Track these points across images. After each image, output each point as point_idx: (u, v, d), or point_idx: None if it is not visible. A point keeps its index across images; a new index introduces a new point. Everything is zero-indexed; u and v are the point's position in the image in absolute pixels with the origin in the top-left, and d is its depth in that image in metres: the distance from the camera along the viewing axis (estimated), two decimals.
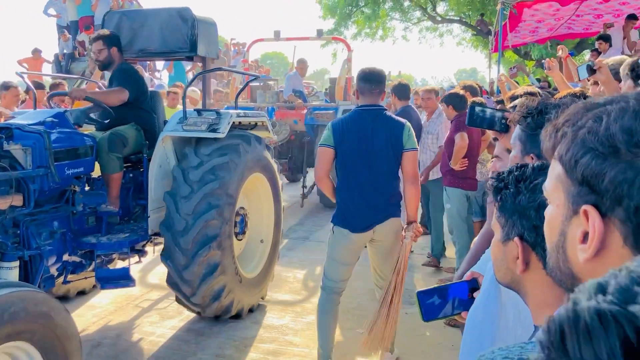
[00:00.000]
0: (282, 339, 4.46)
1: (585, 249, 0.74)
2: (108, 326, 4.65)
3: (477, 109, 2.11)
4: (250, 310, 4.76)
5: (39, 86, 7.23)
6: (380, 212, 3.66)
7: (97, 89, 5.93)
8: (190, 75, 12.58)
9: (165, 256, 4.23)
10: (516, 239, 1.08)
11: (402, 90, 6.31)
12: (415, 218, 3.74)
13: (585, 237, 0.75)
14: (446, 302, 1.53)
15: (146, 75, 13.66)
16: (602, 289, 0.52)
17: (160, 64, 14.73)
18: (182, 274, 4.19)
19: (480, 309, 1.47)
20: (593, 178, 0.73)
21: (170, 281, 4.31)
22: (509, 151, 2.28)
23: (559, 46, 5.85)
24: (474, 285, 1.56)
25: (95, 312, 4.92)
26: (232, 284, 4.44)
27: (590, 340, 0.49)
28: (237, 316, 4.61)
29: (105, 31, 4.74)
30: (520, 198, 1.09)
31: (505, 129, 2.07)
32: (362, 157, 3.61)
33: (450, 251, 6.20)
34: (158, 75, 14.23)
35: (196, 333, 4.50)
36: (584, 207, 0.74)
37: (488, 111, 2.12)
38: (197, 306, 4.34)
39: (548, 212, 0.86)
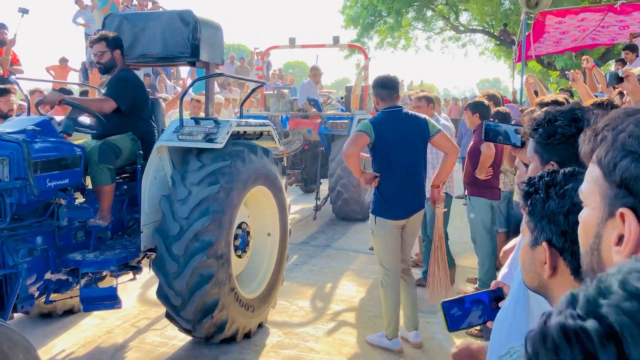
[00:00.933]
0: (303, 345, 4.43)
1: (621, 250, 0.75)
2: (132, 329, 4.64)
3: (492, 124, 2.12)
4: (247, 336, 4.41)
5: (66, 93, 7.07)
6: (417, 201, 4.21)
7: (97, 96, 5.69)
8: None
9: (157, 265, 3.91)
10: (544, 243, 1.09)
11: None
12: (441, 183, 4.36)
13: (620, 239, 0.76)
14: (471, 311, 1.54)
15: (169, 83, 13.56)
16: (573, 301, 0.57)
17: (184, 71, 14.64)
18: (172, 284, 3.84)
19: (508, 313, 1.44)
20: (631, 181, 0.74)
21: (160, 293, 3.96)
22: (527, 165, 2.12)
23: (583, 57, 5.59)
24: (498, 294, 1.57)
25: (120, 316, 4.89)
26: (226, 299, 4.06)
27: (557, 356, 0.54)
28: (232, 339, 4.26)
29: (109, 32, 4.48)
30: (549, 203, 1.10)
31: (520, 143, 2.05)
32: (401, 152, 4.06)
33: (473, 261, 6.03)
34: (181, 83, 14.15)
35: None
36: (621, 209, 0.75)
37: (502, 126, 2.11)
38: (188, 322, 3.97)
39: (583, 215, 0.86)
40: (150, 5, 14.06)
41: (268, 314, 4.79)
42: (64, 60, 13.63)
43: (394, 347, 4.26)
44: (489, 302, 1.54)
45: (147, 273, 4.62)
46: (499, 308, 1.53)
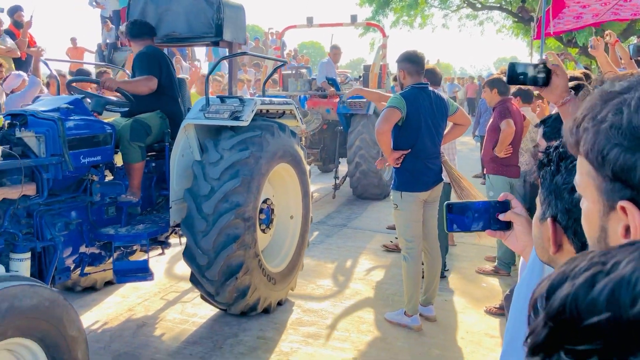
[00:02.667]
0: (322, 323, 4.48)
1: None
2: (152, 307, 4.72)
3: (515, 63, 2.02)
4: (266, 311, 4.55)
5: (85, 74, 7.19)
6: (439, 174, 4.35)
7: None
8: (226, 63, 12.50)
9: (187, 255, 4.07)
10: (549, 219, 1.05)
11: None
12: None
13: (627, 230, 0.73)
14: (473, 216, 1.51)
15: (185, 64, 13.64)
16: None
17: (201, 53, 14.69)
18: (204, 274, 4.03)
19: (524, 285, 1.41)
20: (625, 173, 0.71)
21: (187, 253, 4.11)
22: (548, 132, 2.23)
23: (606, 32, 5.53)
24: (504, 206, 1.51)
25: (140, 294, 4.99)
26: (257, 282, 4.26)
27: None
28: (252, 309, 4.40)
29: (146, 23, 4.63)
30: (557, 178, 1.05)
31: (545, 82, 1.96)
32: (430, 129, 4.17)
33: (492, 240, 5.99)
34: (197, 64, 14.21)
35: (238, 315, 4.46)
36: (620, 203, 0.73)
37: (527, 66, 2.02)
38: (212, 283, 4.12)
39: (584, 208, 0.84)
40: None
41: (287, 294, 4.90)
42: (73, 40, 13.82)
43: (413, 324, 4.31)
44: (493, 211, 1.51)
45: (166, 254, 4.76)
46: (500, 221, 1.51)
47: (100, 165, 3.90)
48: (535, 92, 7.13)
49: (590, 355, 0.51)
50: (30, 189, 3.30)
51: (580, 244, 0.97)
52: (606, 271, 0.54)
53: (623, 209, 0.72)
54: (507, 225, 1.52)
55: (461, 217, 1.51)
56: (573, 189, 0.96)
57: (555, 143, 1.12)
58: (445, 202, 1.52)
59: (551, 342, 0.55)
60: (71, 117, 3.61)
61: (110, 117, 4.43)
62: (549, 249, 1.06)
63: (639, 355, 0.49)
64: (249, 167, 4.04)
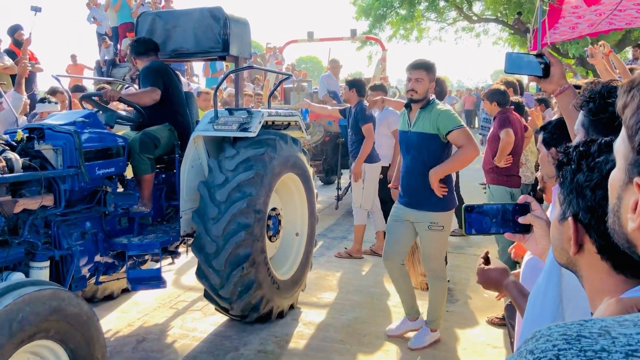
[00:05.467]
0: (323, 335, 4.49)
1: (634, 218, 0.74)
2: (152, 322, 4.73)
3: (513, 54, 2.01)
4: (280, 316, 4.67)
5: (82, 90, 7.32)
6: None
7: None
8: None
9: (200, 275, 4.19)
10: (570, 218, 1.01)
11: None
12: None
13: (637, 205, 0.73)
14: (491, 219, 1.50)
15: (184, 80, 13.79)
16: None
17: (198, 68, 14.86)
18: (218, 292, 4.15)
19: (540, 292, 1.39)
20: None
21: (207, 296, 4.29)
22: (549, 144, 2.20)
23: (600, 42, 5.66)
24: (524, 209, 1.50)
25: (140, 309, 5.01)
26: (269, 294, 4.38)
27: None
28: (267, 317, 4.53)
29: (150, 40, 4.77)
30: (578, 176, 1.02)
31: (546, 73, 1.98)
32: None
33: (492, 250, 6.04)
34: (196, 79, 14.36)
35: (238, 329, 4.50)
36: (636, 179, 0.73)
37: (524, 57, 2.03)
38: (226, 300, 4.24)
39: (612, 173, 0.83)
40: (163, 3, 14.28)
41: (298, 296, 5.01)
42: (73, 57, 14.01)
43: (439, 335, 4.31)
44: (512, 214, 1.50)
45: (175, 263, 4.82)
46: (519, 224, 1.50)
47: (114, 176, 4.02)
48: (536, 96, 7.23)
49: None
50: (48, 200, 3.41)
51: (603, 243, 0.95)
52: None
53: (638, 185, 0.72)
54: (526, 229, 1.51)
55: (479, 219, 1.51)
56: (596, 187, 0.97)
57: (574, 143, 1.12)
58: (464, 205, 1.52)
59: None
60: (86, 130, 3.74)
61: (120, 130, 4.55)
62: (568, 249, 1.03)
63: None
64: (254, 185, 4.15)
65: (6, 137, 3.43)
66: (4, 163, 3.12)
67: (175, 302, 5.19)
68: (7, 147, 3.29)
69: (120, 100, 4.34)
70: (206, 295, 4.34)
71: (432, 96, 4.03)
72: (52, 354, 2.63)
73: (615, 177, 0.81)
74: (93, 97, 4.39)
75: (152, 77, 4.48)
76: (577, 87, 2.72)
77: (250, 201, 4.10)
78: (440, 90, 5.31)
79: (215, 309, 4.55)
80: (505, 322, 4.11)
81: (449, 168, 3.97)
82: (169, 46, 5.00)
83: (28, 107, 6.22)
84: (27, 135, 3.49)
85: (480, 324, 4.70)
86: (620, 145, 0.79)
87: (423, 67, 3.96)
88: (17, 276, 3.10)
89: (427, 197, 3.99)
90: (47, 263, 3.38)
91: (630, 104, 0.75)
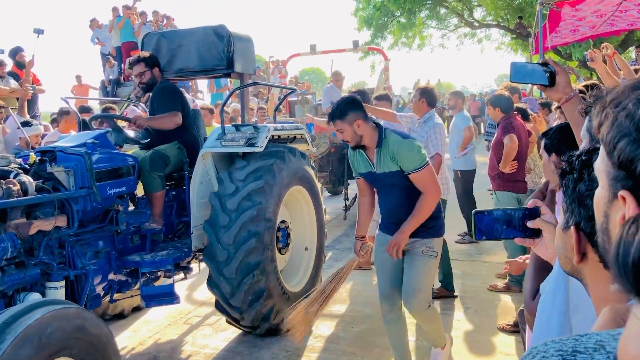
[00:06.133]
0: (334, 348, 4.47)
1: None
2: (163, 340, 4.74)
3: (518, 63, 2.01)
4: (288, 330, 4.68)
5: (88, 110, 7.43)
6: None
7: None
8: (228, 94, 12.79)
9: (211, 285, 4.25)
10: (572, 227, 1.02)
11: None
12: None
13: (624, 219, 0.72)
14: (502, 225, 1.50)
15: (188, 96, 13.93)
16: None
17: (202, 84, 15.02)
18: (229, 301, 4.19)
19: (548, 301, 1.40)
20: (628, 163, 0.72)
21: (219, 306, 4.33)
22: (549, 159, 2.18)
23: (603, 44, 5.65)
24: (534, 213, 1.50)
25: (151, 327, 5.03)
26: (279, 304, 4.41)
27: None
28: (276, 330, 4.54)
29: (145, 53, 4.81)
30: (580, 185, 1.04)
31: (551, 82, 1.97)
32: None
33: (502, 257, 6.10)
34: (201, 96, 14.49)
35: (249, 344, 4.51)
36: (621, 192, 0.73)
37: (529, 66, 2.03)
38: (237, 310, 4.28)
39: (596, 192, 0.84)
40: (165, 21, 14.46)
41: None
42: (78, 77, 14.19)
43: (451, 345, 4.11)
44: (522, 219, 1.50)
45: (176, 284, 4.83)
46: (528, 228, 1.50)
47: (125, 195, 4.09)
48: (540, 101, 7.23)
49: None
50: (62, 221, 3.48)
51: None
52: None
53: (623, 198, 0.73)
54: (536, 233, 1.51)
55: (489, 225, 1.50)
56: None
57: (577, 151, 1.12)
58: (473, 210, 1.53)
59: None
60: (97, 151, 3.82)
61: (130, 150, 4.63)
62: (572, 258, 1.03)
63: None
64: (264, 194, 4.22)
65: (19, 160, 3.51)
66: (18, 186, 3.19)
67: (186, 318, 5.21)
68: (20, 171, 3.36)
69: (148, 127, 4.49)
70: (217, 306, 4.37)
71: (380, 123, 3.58)
72: None
73: (600, 196, 0.82)
74: (107, 118, 4.51)
75: (170, 100, 4.58)
76: (583, 92, 2.72)
77: (260, 209, 4.17)
78: (431, 99, 5.27)
79: (227, 320, 4.58)
80: (518, 329, 4.11)
81: (416, 222, 3.47)
82: (175, 65, 5.09)
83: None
84: (40, 158, 3.57)
85: (492, 332, 4.68)
86: (601, 165, 0.80)
87: (337, 118, 3.46)
88: (34, 296, 3.16)
89: (420, 225, 3.55)
90: (63, 283, 3.44)
91: (605, 122, 0.77)
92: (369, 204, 3.79)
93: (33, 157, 3.50)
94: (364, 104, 3.93)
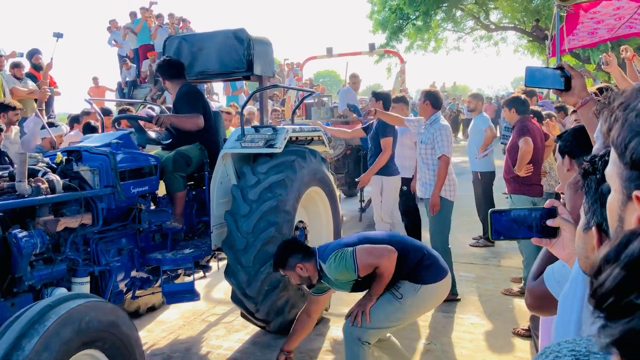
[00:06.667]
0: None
1: None
2: (177, 340, 4.79)
3: (534, 68, 2.02)
4: (317, 323, 4.74)
5: (106, 112, 7.58)
6: None
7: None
8: (244, 96, 12.89)
9: (229, 274, 4.31)
10: (594, 228, 1.01)
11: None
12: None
13: None
14: (518, 225, 1.49)
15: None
16: None
17: (218, 86, 15.17)
18: (245, 291, 4.25)
19: (567, 301, 1.40)
20: None
21: (235, 298, 4.39)
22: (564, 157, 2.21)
23: (622, 46, 5.62)
24: (552, 213, 1.49)
25: (165, 327, 5.08)
26: (294, 298, 4.48)
27: None
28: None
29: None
30: (602, 186, 1.02)
31: (567, 86, 1.98)
32: None
33: (517, 261, 6.08)
34: (216, 98, 14.63)
35: (262, 346, 4.56)
36: (635, 192, 0.72)
37: (544, 70, 2.04)
38: (262, 321, 4.40)
39: (609, 198, 0.83)
40: (180, 24, 14.62)
41: (329, 304, 5.06)
42: (95, 79, 14.39)
43: None
44: (539, 219, 1.49)
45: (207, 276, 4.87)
46: (547, 227, 1.49)
47: (147, 194, 4.19)
48: (556, 104, 7.20)
49: None
50: (87, 219, 3.58)
51: None
52: None
53: (638, 198, 0.72)
54: (553, 233, 1.51)
55: (506, 225, 1.50)
56: None
57: (601, 152, 1.10)
58: (490, 210, 1.52)
59: (623, 287, 0.57)
60: (121, 151, 3.92)
61: (152, 150, 4.73)
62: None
63: None
64: (284, 187, 4.33)
65: (47, 159, 3.62)
66: (46, 184, 3.30)
67: (200, 319, 5.26)
68: (48, 170, 3.47)
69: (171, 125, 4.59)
70: (233, 298, 4.41)
71: (313, 265, 3.49)
72: None
73: (613, 200, 0.81)
74: (130, 118, 4.61)
75: (192, 103, 4.67)
76: (597, 95, 2.72)
77: (281, 201, 4.27)
78: (435, 101, 5.36)
79: (241, 314, 4.65)
80: (532, 333, 4.11)
81: (377, 291, 3.43)
82: (196, 68, 5.19)
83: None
84: (66, 157, 3.68)
85: (507, 335, 4.67)
86: (612, 169, 0.80)
87: (280, 268, 3.54)
88: (61, 291, 3.26)
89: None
90: (88, 278, 3.54)
91: (614, 125, 0.77)
92: (308, 321, 3.83)
93: (60, 157, 3.60)
94: (378, 111, 4.37)
